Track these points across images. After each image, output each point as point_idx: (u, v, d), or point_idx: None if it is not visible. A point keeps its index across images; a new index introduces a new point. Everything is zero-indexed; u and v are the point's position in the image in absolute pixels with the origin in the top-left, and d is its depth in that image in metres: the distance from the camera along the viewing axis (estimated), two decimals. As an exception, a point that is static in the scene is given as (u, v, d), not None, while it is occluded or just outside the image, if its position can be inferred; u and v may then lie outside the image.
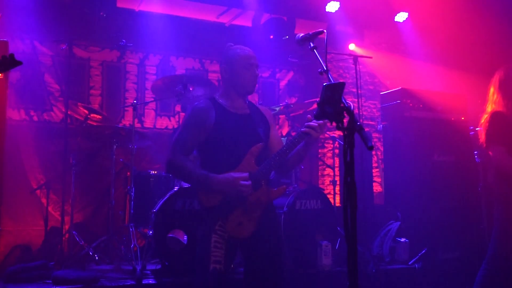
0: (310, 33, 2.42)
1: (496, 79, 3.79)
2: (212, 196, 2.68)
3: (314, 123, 2.58)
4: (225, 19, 7.12)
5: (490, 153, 3.65)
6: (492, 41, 6.62)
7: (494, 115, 3.68)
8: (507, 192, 3.60)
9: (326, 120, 2.39)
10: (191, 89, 4.86)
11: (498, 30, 6.57)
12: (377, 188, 7.61)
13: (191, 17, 6.99)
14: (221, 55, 2.98)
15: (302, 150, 2.76)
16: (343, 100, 1.93)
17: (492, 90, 3.80)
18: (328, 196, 5.30)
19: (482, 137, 3.73)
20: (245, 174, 2.64)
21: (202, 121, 2.79)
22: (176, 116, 6.91)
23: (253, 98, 7.06)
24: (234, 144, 2.77)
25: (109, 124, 5.84)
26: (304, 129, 2.61)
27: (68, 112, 5.12)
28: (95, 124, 5.56)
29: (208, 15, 7.01)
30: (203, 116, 2.79)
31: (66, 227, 5.05)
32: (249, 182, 2.61)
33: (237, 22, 7.15)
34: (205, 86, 5.06)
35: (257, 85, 3.01)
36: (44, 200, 5.51)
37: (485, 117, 3.73)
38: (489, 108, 3.76)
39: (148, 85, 6.61)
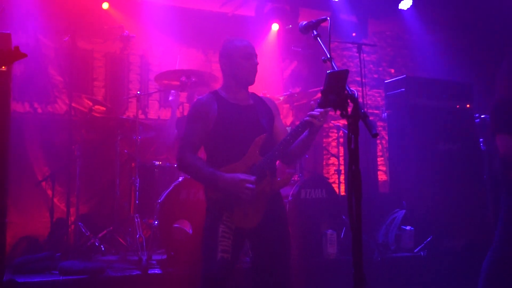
0: (314, 20, 2.40)
1: (504, 66, 3.76)
2: (219, 191, 2.72)
3: (315, 112, 2.59)
4: (228, 9, 7.08)
5: (497, 141, 3.62)
6: (497, 28, 6.57)
7: (502, 103, 3.65)
8: (506, 178, 3.58)
9: (328, 109, 2.42)
10: (193, 79, 4.84)
11: (503, 17, 6.51)
12: (382, 176, 7.60)
13: (194, 7, 6.96)
14: (220, 49, 3.00)
15: (306, 138, 2.75)
16: (347, 88, 1.92)
17: (500, 77, 3.76)
18: (333, 185, 5.29)
19: (490, 124, 3.69)
20: (252, 178, 2.64)
21: (204, 115, 2.83)
22: (180, 107, 6.89)
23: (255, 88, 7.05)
24: (238, 135, 2.79)
25: (113, 115, 5.84)
26: (306, 118, 2.62)
27: (72, 104, 5.12)
28: (99, 115, 5.56)
29: (211, 5, 6.97)
30: (205, 109, 2.84)
31: (72, 218, 5.06)
32: (253, 186, 2.62)
33: (240, 12, 7.11)
34: (207, 79, 5.05)
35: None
36: (49, 192, 5.52)
37: (493, 105, 3.70)
38: (497, 95, 3.72)
39: (152, 76, 6.60)
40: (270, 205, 2.77)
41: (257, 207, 2.72)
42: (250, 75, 2.91)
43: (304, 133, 2.73)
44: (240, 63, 2.88)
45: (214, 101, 2.87)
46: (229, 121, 2.81)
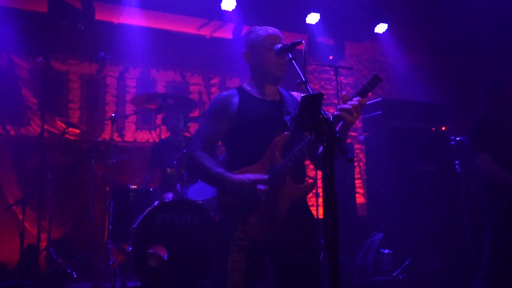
0: (289, 43, 2.36)
1: (484, 87, 3.83)
2: (230, 195, 2.39)
3: (347, 105, 2.17)
4: (205, 32, 7.09)
5: (477, 159, 3.65)
6: (473, 51, 6.71)
7: (482, 121, 3.70)
8: (494, 199, 3.60)
9: (364, 100, 2.19)
10: (171, 102, 4.80)
11: (478, 40, 6.65)
12: (360, 199, 7.59)
13: (171, 29, 6.95)
14: (244, 39, 2.69)
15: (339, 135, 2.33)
16: (322, 111, 1.90)
17: (480, 97, 3.83)
18: (311, 208, 5.25)
19: (471, 144, 3.74)
20: (264, 176, 2.31)
21: (224, 110, 2.52)
22: (157, 129, 6.83)
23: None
24: (258, 133, 2.47)
25: (88, 138, 5.74)
26: (337, 112, 2.20)
27: (45, 127, 5.01)
28: (73, 138, 5.46)
29: (189, 28, 6.97)
30: (225, 104, 2.54)
31: (44, 244, 4.92)
32: (266, 187, 2.29)
33: (218, 34, 7.13)
34: (183, 100, 5.02)
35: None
36: (20, 217, 5.36)
37: (473, 124, 3.75)
38: (477, 114, 3.78)
39: (128, 98, 6.54)
40: (291, 214, 2.38)
41: (275, 215, 2.35)
42: (276, 68, 2.53)
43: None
44: (265, 55, 2.52)
45: (236, 95, 2.56)
46: (250, 117, 2.49)
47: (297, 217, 2.44)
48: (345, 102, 2.20)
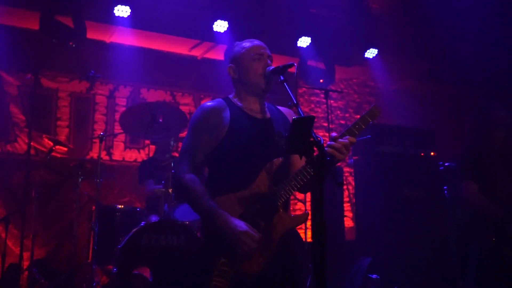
0: (280, 66, 2.34)
1: (472, 116, 3.86)
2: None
3: (337, 143, 2.12)
4: (197, 52, 7.11)
5: (462, 187, 3.66)
6: (461, 78, 6.80)
7: (470, 150, 3.73)
8: (479, 228, 3.60)
9: (353, 139, 2.16)
10: (160, 120, 4.77)
11: (467, 68, 6.75)
12: (348, 223, 7.56)
13: (163, 49, 6.96)
14: (227, 55, 2.59)
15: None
16: (312, 135, 1.89)
17: (469, 126, 3.86)
18: (300, 231, 5.21)
19: (458, 172, 3.76)
20: (257, 236, 2.14)
21: (214, 123, 2.34)
22: (146, 149, 6.78)
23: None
24: (250, 155, 2.30)
25: (75, 156, 5.68)
26: (326, 149, 2.13)
27: (32, 144, 4.96)
28: (59, 156, 5.39)
29: (181, 48, 6.99)
30: (215, 116, 2.34)
31: (26, 263, 4.81)
32: (255, 245, 2.14)
33: (209, 55, 7.16)
34: (174, 116, 4.98)
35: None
36: (3, 235, 5.26)
37: (462, 152, 3.78)
38: (468, 142, 3.81)
39: (118, 117, 6.50)
40: (281, 247, 2.25)
41: (265, 248, 2.20)
42: (262, 80, 2.38)
43: None
44: (250, 67, 2.39)
45: (225, 108, 2.38)
46: (243, 136, 2.32)
47: (287, 248, 2.33)
48: (334, 140, 2.15)
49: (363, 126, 2.22)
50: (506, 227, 3.46)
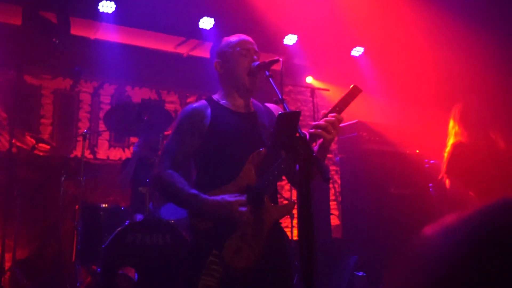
0: (266, 61, 2.32)
1: (456, 111, 3.86)
2: (205, 219, 2.21)
3: (322, 121, 2.07)
4: (183, 50, 7.07)
5: (447, 184, 3.68)
6: (446, 75, 6.82)
7: (455, 147, 3.74)
8: None
9: (339, 116, 2.09)
10: (145, 118, 4.71)
11: (451, 65, 6.79)
12: (334, 221, 7.56)
13: (148, 47, 6.90)
14: (214, 51, 2.55)
15: (318, 153, 2.14)
16: (298, 130, 1.86)
17: (452, 122, 3.85)
18: (286, 229, 5.19)
19: (442, 169, 3.77)
20: (242, 198, 2.14)
21: (195, 124, 2.34)
22: (131, 148, 6.71)
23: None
24: (233, 148, 2.30)
25: (59, 154, 5.60)
26: (312, 130, 2.09)
27: (14, 141, 4.87)
28: (42, 154, 5.31)
29: (166, 45, 6.94)
30: (197, 117, 2.35)
31: (8, 264, 4.72)
32: (245, 208, 2.12)
33: (195, 53, 7.11)
34: (160, 115, 4.92)
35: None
36: (-16, 235, 5.16)
37: (447, 149, 3.78)
38: (451, 140, 3.81)
39: (102, 114, 6.42)
40: (269, 240, 2.23)
41: (254, 241, 2.18)
42: (248, 76, 2.36)
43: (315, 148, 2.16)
44: (236, 62, 2.38)
45: (207, 107, 2.38)
46: (224, 131, 2.32)
47: (275, 240, 2.29)
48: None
49: (344, 108, 2.15)
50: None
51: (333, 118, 2.08)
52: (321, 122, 2.08)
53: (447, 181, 3.69)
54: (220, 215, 2.14)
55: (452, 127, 3.86)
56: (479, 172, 3.65)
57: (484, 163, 3.67)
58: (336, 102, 2.16)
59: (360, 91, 2.15)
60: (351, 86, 2.16)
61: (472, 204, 3.59)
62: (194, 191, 2.21)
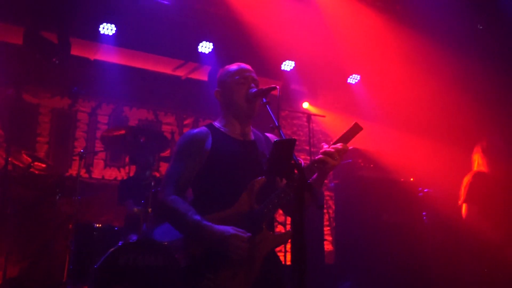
0: (264, 88, 2.36)
1: (479, 146, 3.99)
2: (203, 245, 2.23)
3: (331, 148, 2.18)
4: (181, 72, 7.14)
5: (463, 211, 3.74)
6: (441, 104, 6.91)
7: (477, 175, 3.83)
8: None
9: (346, 146, 2.22)
10: (142, 140, 4.75)
11: (448, 95, 6.88)
12: (328, 246, 7.55)
13: (147, 68, 6.97)
14: (215, 79, 2.60)
15: (315, 181, 2.26)
16: (294, 157, 1.90)
17: (477, 156, 3.98)
18: (279, 254, 5.18)
19: (460, 195, 3.85)
20: (246, 235, 2.15)
21: (196, 149, 2.37)
22: (126, 168, 6.72)
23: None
24: (232, 175, 2.34)
25: (54, 173, 5.60)
26: (319, 156, 2.18)
27: (10, 159, 4.88)
28: (38, 172, 5.31)
29: (165, 68, 7.01)
30: (198, 142, 2.39)
31: (-2, 282, 4.69)
32: (246, 245, 2.14)
33: (193, 76, 7.19)
34: (156, 138, 4.97)
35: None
36: (-24, 252, 5.13)
37: (467, 177, 3.87)
38: (475, 168, 3.92)
39: (99, 134, 6.45)
40: (264, 266, 2.23)
41: (250, 267, 2.18)
42: (246, 103, 2.41)
43: (314, 175, 2.26)
44: (235, 90, 2.43)
45: (208, 134, 2.42)
46: (224, 158, 2.36)
47: (270, 267, 2.30)
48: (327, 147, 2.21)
49: (345, 143, 2.25)
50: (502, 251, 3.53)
51: (340, 147, 2.21)
52: (330, 149, 2.20)
53: (464, 208, 3.75)
54: (220, 246, 2.15)
55: (477, 159, 3.97)
56: (496, 203, 3.70)
57: (502, 194, 3.73)
58: (337, 138, 2.25)
59: (360, 129, 2.25)
60: (353, 123, 2.26)
61: (485, 234, 3.63)
62: (197, 216, 2.21)
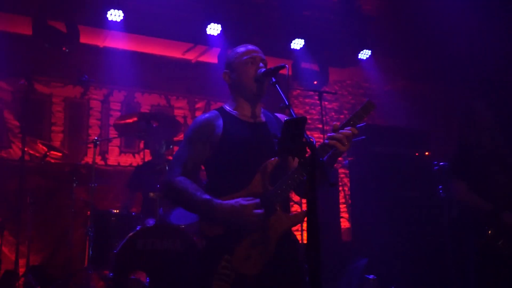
0: (272, 67, 2.34)
1: (462, 114, 3.88)
2: (216, 224, 2.23)
3: (339, 134, 2.15)
4: (191, 56, 7.12)
5: (451, 186, 3.71)
6: (454, 77, 6.84)
7: (461, 149, 3.76)
8: (473, 223, 3.64)
9: (355, 130, 2.18)
10: (154, 125, 4.77)
11: (459, 67, 6.80)
12: (344, 224, 7.57)
13: (156, 53, 6.96)
14: (223, 61, 2.59)
15: (327, 163, 2.24)
16: (305, 135, 1.89)
17: (460, 125, 3.88)
18: (296, 233, 5.21)
19: (449, 170, 3.81)
20: (256, 201, 2.17)
21: (207, 133, 2.38)
22: (141, 153, 6.77)
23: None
24: (245, 158, 2.33)
25: (70, 161, 5.67)
26: (327, 141, 2.16)
27: (26, 149, 4.94)
28: (54, 161, 5.38)
29: (174, 52, 6.99)
30: (208, 126, 2.38)
31: (22, 270, 4.79)
32: (261, 211, 2.15)
33: (203, 58, 7.16)
34: (169, 123, 4.99)
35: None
36: (-2, 242, 5.24)
37: (452, 152, 3.82)
38: (458, 142, 3.84)
39: (112, 121, 6.49)
40: (280, 247, 2.23)
41: (264, 248, 2.19)
42: (255, 83, 2.39)
43: (325, 157, 2.22)
44: (243, 71, 2.41)
45: (218, 117, 2.41)
46: (236, 140, 2.35)
47: (285, 247, 2.29)
48: (335, 131, 2.16)
49: (358, 122, 2.22)
50: (498, 217, 3.50)
51: (349, 132, 2.16)
52: (338, 134, 2.15)
53: (453, 182, 3.72)
54: (234, 219, 2.16)
55: (460, 129, 3.88)
56: (485, 175, 3.66)
57: (490, 166, 3.68)
58: (350, 116, 2.22)
59: (374, 106, 2.23)
60: (366, 101, 2.24)
61: (476, 206, 3.61)
62: (207, 196, 2.22)
